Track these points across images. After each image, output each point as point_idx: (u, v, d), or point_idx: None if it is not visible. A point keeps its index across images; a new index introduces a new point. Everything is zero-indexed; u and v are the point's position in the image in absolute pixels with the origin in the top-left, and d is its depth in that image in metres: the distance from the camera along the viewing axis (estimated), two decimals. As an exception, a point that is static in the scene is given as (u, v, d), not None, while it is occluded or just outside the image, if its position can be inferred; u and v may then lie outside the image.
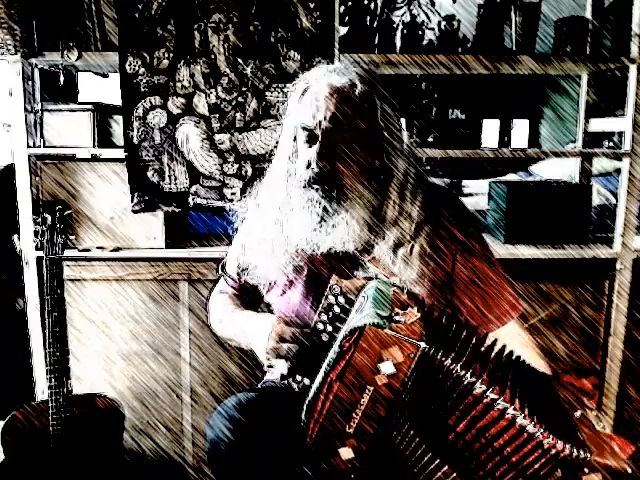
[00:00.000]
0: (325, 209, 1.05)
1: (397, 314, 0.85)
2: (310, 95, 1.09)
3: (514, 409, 0.80)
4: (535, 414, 0.81)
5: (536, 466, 0.80)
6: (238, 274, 1.29)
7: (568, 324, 1.85)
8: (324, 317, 0.97)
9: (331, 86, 1.06)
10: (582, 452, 0.78)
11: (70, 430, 1.52)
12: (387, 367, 0.82)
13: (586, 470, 0.79)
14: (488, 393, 0.80)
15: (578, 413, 0.88)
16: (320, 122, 1.05)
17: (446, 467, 0.83)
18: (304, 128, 1.08)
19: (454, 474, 0.83)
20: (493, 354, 0.89)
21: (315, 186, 1.05)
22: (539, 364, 1.09)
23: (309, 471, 0.89)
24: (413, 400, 0.83)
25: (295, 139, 1.12)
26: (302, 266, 1.14)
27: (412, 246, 1.09)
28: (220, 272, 1.37)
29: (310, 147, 1.07)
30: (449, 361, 0.82)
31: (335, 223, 1.06)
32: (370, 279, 0.99)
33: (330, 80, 1.07)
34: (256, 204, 1.20)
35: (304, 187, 1.07)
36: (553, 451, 0.78)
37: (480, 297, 1.12)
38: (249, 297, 1.32)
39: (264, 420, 1.03)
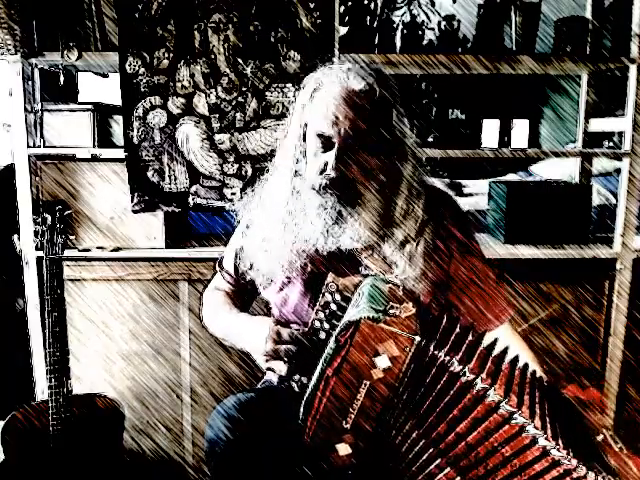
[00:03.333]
0: (340, 213, 1.05)
1: (392, 307, 0.85)
2: (325, 97, 1.06)
3: (521, 414, 0.78)
4: (557, 436, 0.79)
5: None
6: (235, 270, 1.29)
7: (568, 324, 1.85)
8: (321, 315, 0.97)
9: (349, 90, 1.03)
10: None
11: (70, 430, 1.52)
12: (383, 361, 0.81)
13: None
14: (489, 393, 0.79)
15: (600, 437, 0.86)
16: (339, 129, 1.03)
17: (448, 469, 0.82)
18: (319, 135, 1.06)
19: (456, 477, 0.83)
20: (498, 356, 0.88)
21: (330, 191, 1.05)
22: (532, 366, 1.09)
23: (309, 471, 0.89)
24: (411, 395, 0.83)
25: (304, 139, 1.11)
26: (303, 264, 1.14)
27: (417, 243, 1.09)
28: (217, 268, 1.36)
29: (324, 152, 1.06)
30: (447, 357, 0.82)
31: (347, 226, 1.06)
32: (367, 276, 1.00)
33: (348, 84, 1.04)
34: (259, 203, 1.20)
35: (317, 192, 1.06)
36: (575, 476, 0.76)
37: (478, 296, 1.13)
38: (244, 294, 1.31)
39: (263, 420, 1.03)
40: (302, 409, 0.85)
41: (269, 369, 1.03)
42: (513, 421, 0.78)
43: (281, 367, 0.99)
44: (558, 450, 0.77)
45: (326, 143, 1.05)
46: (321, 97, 1.07)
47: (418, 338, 0.81)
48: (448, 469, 0.82)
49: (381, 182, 1.08)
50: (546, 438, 0.77)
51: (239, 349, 1.17)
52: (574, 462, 0.76)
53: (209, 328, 1.32)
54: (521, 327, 1.79)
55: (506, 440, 0.79)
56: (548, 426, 0.80)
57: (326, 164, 1.05)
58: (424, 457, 0.83)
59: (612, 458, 0.82)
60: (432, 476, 0.83)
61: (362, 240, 1.07)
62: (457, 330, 0.87)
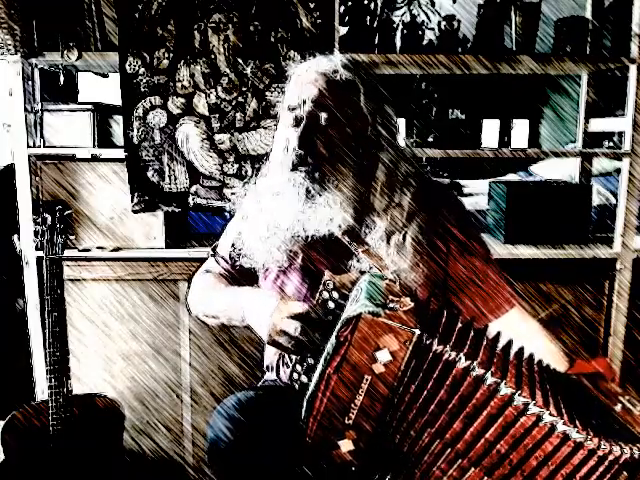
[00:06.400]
0: (307, 190, 1.08)
1: (391, 302, 0.85)
2: (296, 76, 1.14)
3: (536, 404, 0.77)
4: (576, 416, 0.79)
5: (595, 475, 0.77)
6: (231, 257, 1.28)
7: (568, 324, 1.85)
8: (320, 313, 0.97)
9: (316, 71, 1.11)
10: None
11: (70, 430, 1.52)
12: (383, 355, 0.81)
13: None
14: (501, 386, 0.79)
15: (618, 407, 0.86)
16: (304, 103, 1.09)
17: (472, 470, 0.81)
18: (290, 108, 1.11)
19: (484, 477, 0.81)
20: (504, 348, 0.87)
21: (299, 168, 1.08)
22: (551, 352, 1.10)
23: (309, 470, 0.88)
24: (416, 392, 0.82)
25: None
26: (296, 253, 1.15)
27: (404, 234, 1.10)
28: (211, 253, 1.35)
29: (296, 130, 1.10)
30: (453, 352, 0.81)
31: (318, 204, 1.08)
32: (363, 272, 0.99)
33: (315, 66, 1.12)
34: (255, 191, 1.21)
35: (291, 170, 1.09)
36: (611, 457, 0.76)
37: (477, 293, 1.13)
38: (236, 281, 1.29)
39: (263, 419, 1.03)
40: (304, 410, 0.85)
41: (273, 342, 1.00)
42: (529, 412, 0.78)
43: (285, 341, 0.96)
44: (578, 432, 0.77)
45: (296, 119, 1.10)
46: (294, 77, 1.15)
47: (417, 331, 0.81)
48: (472, 470, 0.81)
49: (353, 164, 1.09)
50: (564, 423, 0.77)
51: (228, 322, 1.15)
52: (596, 440, 0.76)
53: (196, 308, 1.28)
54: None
55: (525, 432, 0.78)
56: (564, 411, 0.80)
57: (295, 139, 1.09)
58: (442, 458, 0.82)
59: (636, 422, 0.82)
60: (456, 479, 0.82)
61: (337, 223, 1.08)
62: (459, 325, 0.87)
